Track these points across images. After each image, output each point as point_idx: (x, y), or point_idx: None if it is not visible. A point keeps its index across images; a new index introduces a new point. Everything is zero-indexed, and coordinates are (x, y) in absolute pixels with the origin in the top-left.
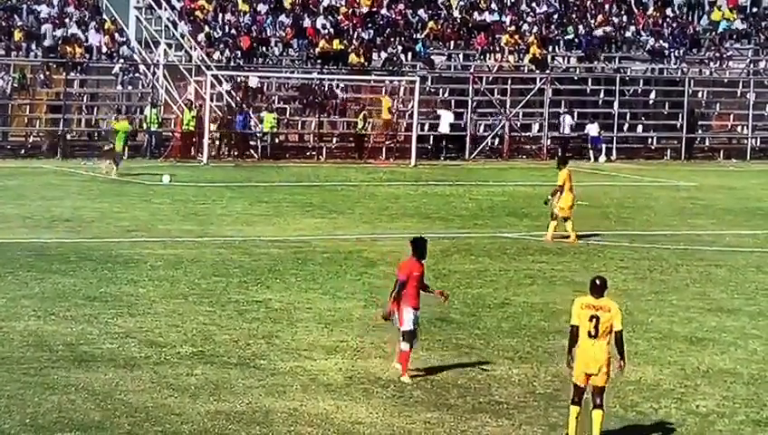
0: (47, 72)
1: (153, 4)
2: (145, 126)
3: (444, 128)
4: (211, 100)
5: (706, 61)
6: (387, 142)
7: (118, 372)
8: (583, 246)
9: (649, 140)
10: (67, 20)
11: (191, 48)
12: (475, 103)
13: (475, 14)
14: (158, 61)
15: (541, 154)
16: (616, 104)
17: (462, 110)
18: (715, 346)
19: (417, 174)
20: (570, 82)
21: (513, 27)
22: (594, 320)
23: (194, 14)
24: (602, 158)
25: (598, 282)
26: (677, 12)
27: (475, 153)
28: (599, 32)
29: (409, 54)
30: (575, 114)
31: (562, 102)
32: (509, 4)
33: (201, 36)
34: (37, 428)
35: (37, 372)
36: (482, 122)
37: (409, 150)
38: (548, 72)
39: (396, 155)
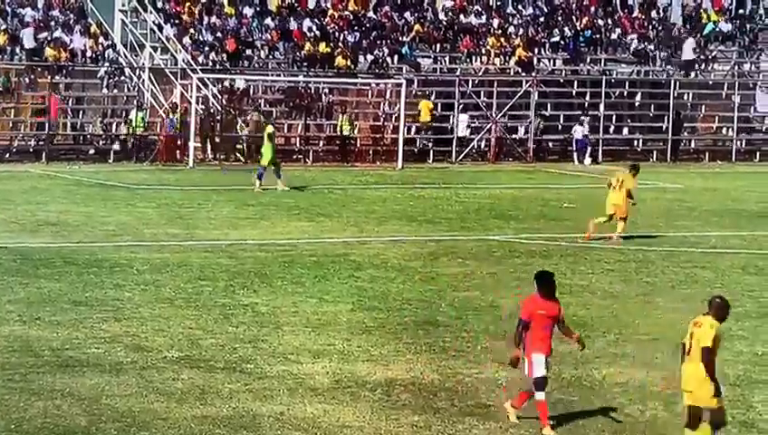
0: (32, 76)
1: (138, 7)
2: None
3: (462, 131)
4: (197, 103)
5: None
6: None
7: (104, 377)
8: (570, 248)
9: (635, 142)
10: (52, 23)
11: (177, 51)
12: (461, 106)
13: (461, 16)
14: (143, 64)
15: (527, 157)
16: (602, 106)
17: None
18: None
19: (404, 177)
20: (555, 84)
21: (498, 30)
22: (690, 337)
23: (179, 17)
24: (588, 160)
25: (718, 301)
26: (662, 14)
27: (462, 156)
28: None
29: (395, 57)
30: (561, 117)
31: (549, 104)
32: (495, 6)
33: (186, 39)
34: (22, 433)
35: (22, 377)
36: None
37: (396, 153)
38: (534, 74)
39: (382, 158)
